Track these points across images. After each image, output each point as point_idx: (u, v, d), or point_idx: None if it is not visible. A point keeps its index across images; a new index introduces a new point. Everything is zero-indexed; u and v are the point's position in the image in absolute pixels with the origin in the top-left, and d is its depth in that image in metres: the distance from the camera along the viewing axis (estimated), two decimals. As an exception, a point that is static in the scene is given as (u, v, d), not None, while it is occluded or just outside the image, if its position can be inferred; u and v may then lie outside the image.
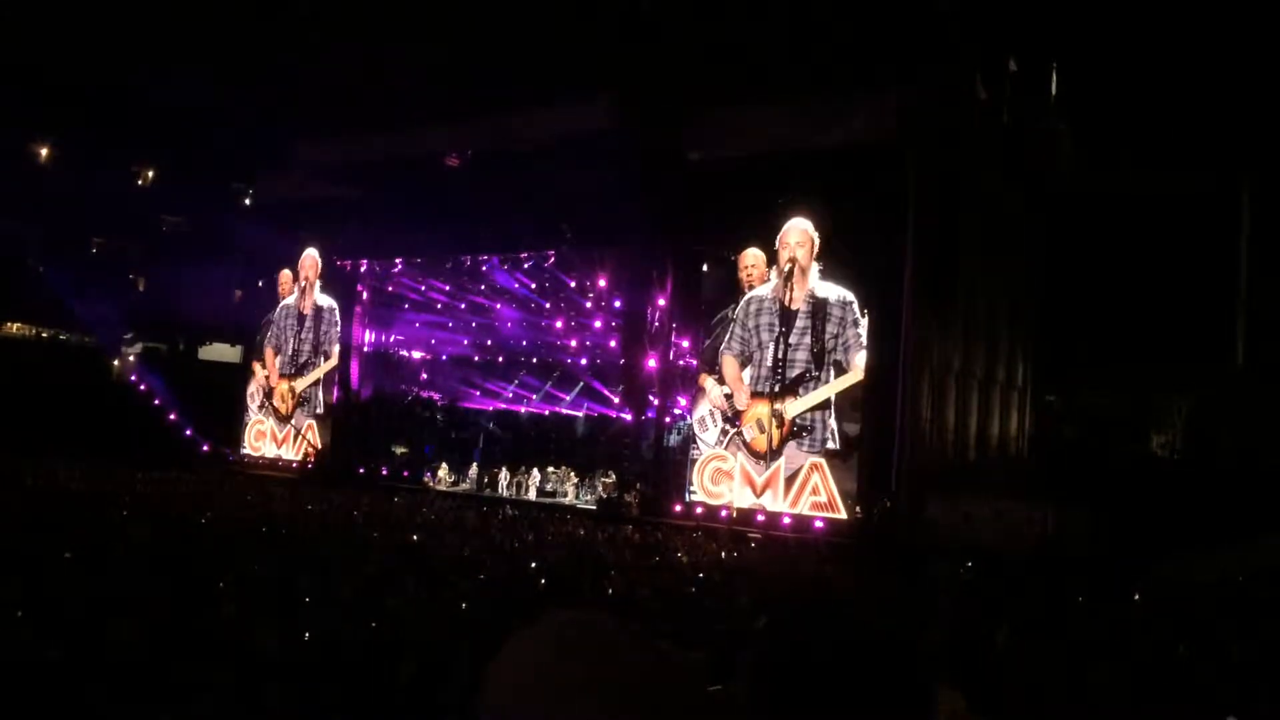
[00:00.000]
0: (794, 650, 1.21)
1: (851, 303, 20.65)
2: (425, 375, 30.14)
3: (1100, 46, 23.41)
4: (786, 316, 21.28)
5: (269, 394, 30.68)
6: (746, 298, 21.98)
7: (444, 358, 29.82)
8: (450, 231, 27.04)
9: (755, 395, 21.50)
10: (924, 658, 1.24)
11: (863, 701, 1.15)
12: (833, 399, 20.62)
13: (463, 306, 28.57)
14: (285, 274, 30.95)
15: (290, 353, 30.49)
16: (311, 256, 30.30)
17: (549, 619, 1.03)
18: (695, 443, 22.44)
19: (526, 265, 25.82)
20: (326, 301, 29.95)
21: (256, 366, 31.32)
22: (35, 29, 30.62)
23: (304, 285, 30.33)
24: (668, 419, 23.89)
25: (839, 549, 17.90)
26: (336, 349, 29.29)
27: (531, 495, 25.64)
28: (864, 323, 20.48)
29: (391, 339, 30.21)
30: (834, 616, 1.25)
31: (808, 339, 21.01)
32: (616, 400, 25.58)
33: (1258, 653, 7.68)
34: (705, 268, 23.13)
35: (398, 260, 28.56)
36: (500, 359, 28.96)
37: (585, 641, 1.02)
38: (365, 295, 29.54)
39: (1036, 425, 23.80)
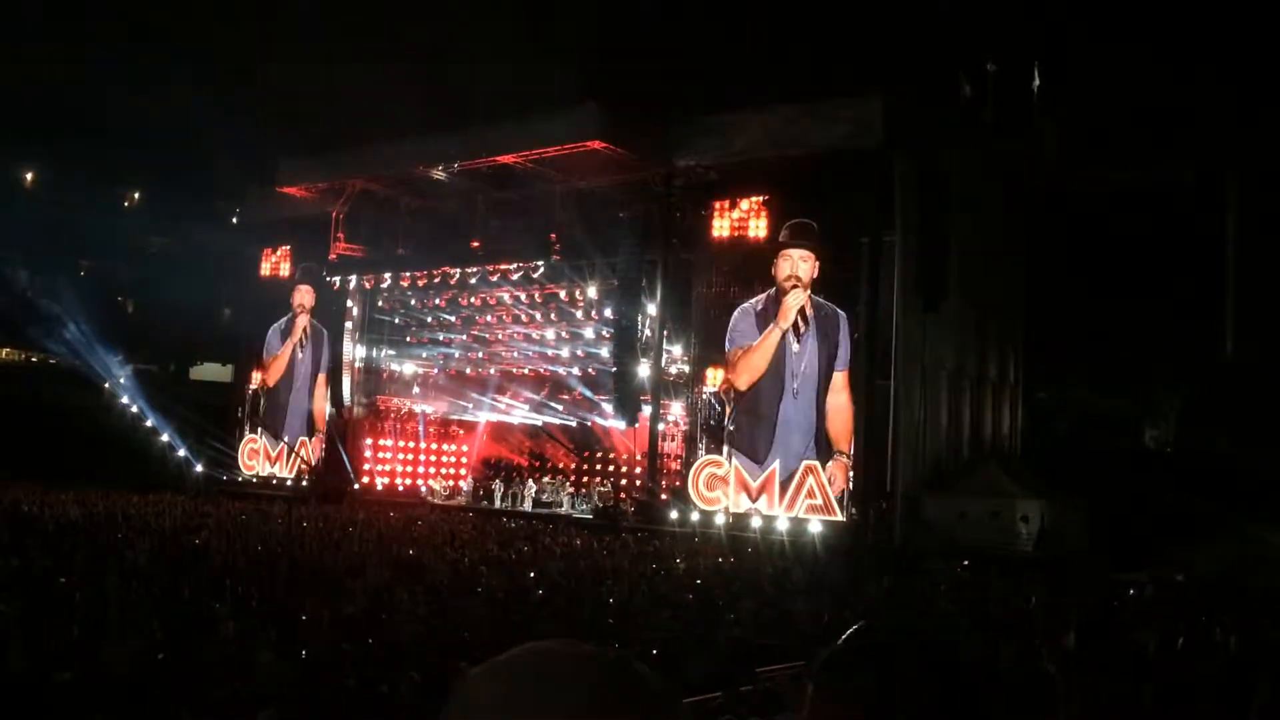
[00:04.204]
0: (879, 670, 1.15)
1: (842, 316, 20.89)
2: (418, 389, 30.03)
3: (1083, 45, 23.51)
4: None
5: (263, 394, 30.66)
6: (742, 308, 22.00)
7: (436, 371, 29.74)
8: (438, 246, 27.02)
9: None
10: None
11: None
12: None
13: (453, 320, 28.50)
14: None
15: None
16: (305, 289, 30.05)
17: (507, 654, 1.04)
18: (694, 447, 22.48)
19: (515, 277, 25.76)
20: (318, 327, 29.81)
21: (256, 374, 31.03)
22: (25, 53, 30.60)
23: (297, 313, 30.04)
24: (660, 426, 23.87)
25: (835, 550, 17.94)
26: (325, 373, 29.26)
27: (527, 506, 25.60)
28: (849, 329, 20.79)
29: (383, 354, 30.13)
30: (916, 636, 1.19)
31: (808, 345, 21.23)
32: (610, 409, 25.52)
33: (1256, 645, 7.68)
34: (694, 275, 23.14)
35: (386, 275, 28.49)
36: (492, 371, 28.86)
37: (540, 670, 1.02)
38: (356, 311, 29.48)
39: (1028, 422, 23.79)
